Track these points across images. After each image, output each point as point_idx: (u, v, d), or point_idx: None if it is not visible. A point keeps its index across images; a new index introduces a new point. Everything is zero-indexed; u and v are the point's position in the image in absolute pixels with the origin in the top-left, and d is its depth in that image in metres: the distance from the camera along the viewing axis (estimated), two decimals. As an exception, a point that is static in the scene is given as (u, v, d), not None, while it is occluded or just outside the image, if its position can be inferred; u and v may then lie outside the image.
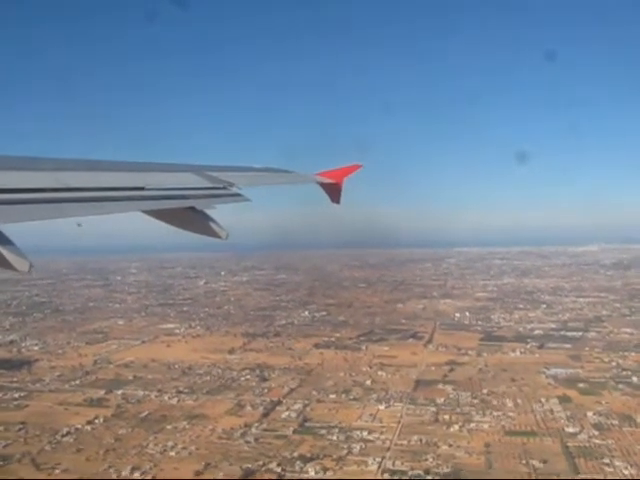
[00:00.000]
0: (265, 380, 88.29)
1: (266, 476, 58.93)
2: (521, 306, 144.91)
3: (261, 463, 61.32)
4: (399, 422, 72.71)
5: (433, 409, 76.45)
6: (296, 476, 58.92)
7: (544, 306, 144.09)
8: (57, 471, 59.16)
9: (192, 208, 9.09)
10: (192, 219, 9.14)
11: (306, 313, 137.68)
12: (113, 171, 9.58)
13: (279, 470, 59.96)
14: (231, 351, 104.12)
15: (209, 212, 9.27)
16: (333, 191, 14.34)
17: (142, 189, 8.77)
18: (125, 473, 58.68)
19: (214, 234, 9.17)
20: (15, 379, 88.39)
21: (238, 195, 10.29)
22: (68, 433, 68.77)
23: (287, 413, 75.34)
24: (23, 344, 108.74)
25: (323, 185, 14.14)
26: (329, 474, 59.38)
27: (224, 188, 10.27)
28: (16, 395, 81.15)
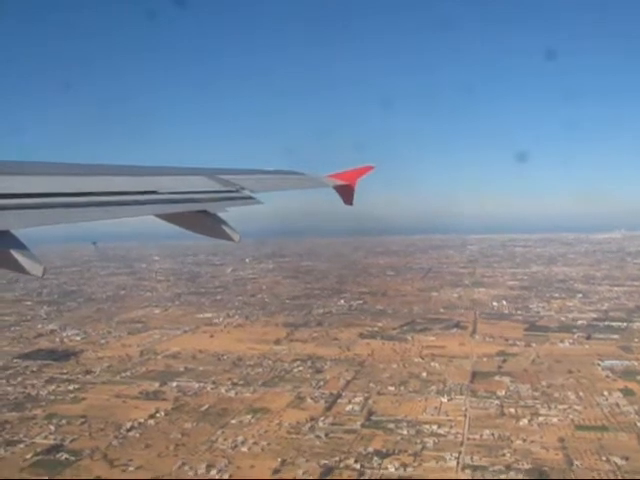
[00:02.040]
0: (319, 372, 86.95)
1: (345, 474, 57.66)
2: (557, 295, 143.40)
3: (337, 459, 59.96)
4: (465, 415, 71.36)
5: (496, 402, 75.07)
6: (375, 473, 57.65)
7: (580, 295, 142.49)
8: (131, 468, 57.89)
9: (204, 211, 9.09)
10: (204, 222, 9.13)
11: (342, 302, 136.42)
12: (125, 175, 9.63)
13: (357, 466, 58.62)
14: (277, 342, 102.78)
15: (221, 215, 9.27)
16: (346, 193, 14.44)
17: (154, 193, 8.85)
18: (201, 471, 57.38)
19: (227, 237, 9.14)
20: (65, 370, 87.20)
21: (250, 198, 10.37)
22: (132, 427, 67.51)
23: (350, 406, 74.02)
24: (64, 334, 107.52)
25: (336, 187, 14.22)
26: (409, 470, 58.07)
27: (236, 191, 10.36)
28: (70, 387, 79.98)
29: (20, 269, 5.91)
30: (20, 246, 5.99)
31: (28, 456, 60.22)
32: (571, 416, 70.36)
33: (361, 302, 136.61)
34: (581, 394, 77.29)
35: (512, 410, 72.51)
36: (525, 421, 69.18)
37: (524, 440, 64.04)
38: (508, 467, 58.23)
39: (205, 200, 9.46)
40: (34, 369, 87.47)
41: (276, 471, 57.63)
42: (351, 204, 14.62)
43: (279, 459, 59.80)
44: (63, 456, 60.43)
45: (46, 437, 64.87)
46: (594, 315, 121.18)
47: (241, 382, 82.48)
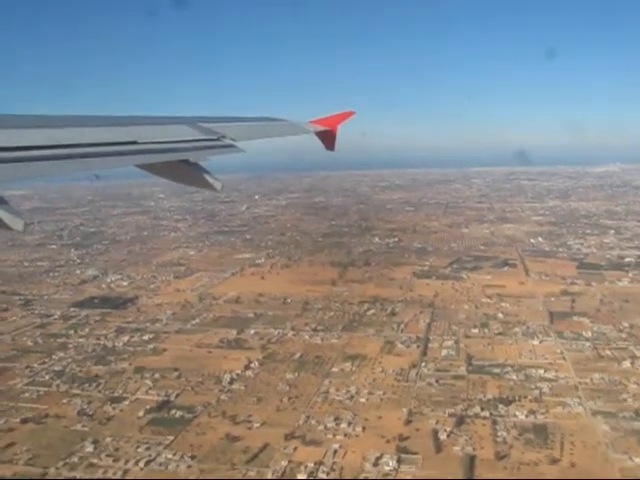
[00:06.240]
0: (393, 314, 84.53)
1: (478, 422, 55.89)
2: (589, 231, 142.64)
3: (462, 407, 58.10)
4: (564, 358, 69.89)
5: (587, 344, 73.82)
6: (507, 421, 55.95)
7: (612, 231, 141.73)
8: (256, 425, 54.86)
9: (186, 161, 8.94)
10: (186, 172, 8.98)
11: (377, 240, 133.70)
12: (105, 126, 9.37)
13: (487, 414, 56.78)
14: (333, 283, 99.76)
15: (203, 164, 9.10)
16: (327, 138, 14.40)
17: (135, 143, 8.65)
18: (330, 425, 54.87)
19: (209, 186, 9.04)
20: (130, 319, 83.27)
21: (232, 146, 10.21)
22: (233, 380, 64.50)
23: (445, 351, 71.93)
24: (108, 279, 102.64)
25: (317, 133, 14.15)
26: (540, 418, 56.53)
27: (217, 139, 10.20)
28: (145, 338, 76.29)
29: (0, 224, 5.76)
30: (0, 200, 5.84)
31: (140, 414, 56.92)
32: (671, 358, 69.52)
33: (396, 240, 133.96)
34: (668, 334, 76.55)
35: (608, 352, 71.28)
36: (627, 364, 67.80)
37: (638, 384, 63.03)
38: (637, 413, 57.08)
39: (186, 149, 9.30)
40: (96, 318, 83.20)
41: (407, 422, 55.39)
42: (333, 149, 14.52)
43: (404, 409, 57.66)
44: (177, 413, 57.27)
45: (147, 392, 61.57)
46: (637, 252, 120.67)
47: (320, 327, 79.63)
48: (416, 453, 50.44)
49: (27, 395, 61.06)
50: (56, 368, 67.48)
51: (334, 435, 53.21)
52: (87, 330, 78.63)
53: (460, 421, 55.83)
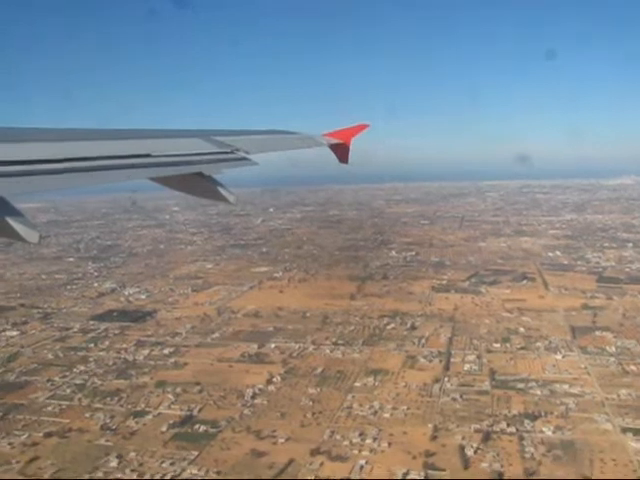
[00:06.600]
0: (414, 328, 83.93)
1: (505, 439, 55.15)
2: (607, 245, 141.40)
3: (488, 423, 57.37)
4: (589, 373, 69.05)
5: (612, 359, 72.88)
6: (534, 437, 55.21)
7: (631, 245, 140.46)
8: (281, 440, 54.44)
9: (199, 173, 8.98)
10: (200, 185, 9.06)
11: (393, 253, 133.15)
12: (119, 139, 9.51)
13: (513, 430, 56.03)
14: (352, 297, 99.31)
15: (217, 177, 9.17)
16: (341, 151, 14.31)
17: (148, 156, 8.67)
18: (356, 440, 54.36)
19: (223, 198, 9.10)
20: (149, 332, 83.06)
21: (245, 159, 10.21)
22: (255, 394, 64.03)
23: (468, 365, 71.25)
24: (126, 292, 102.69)
25: (331, 146, 14.06)
26: (568, 434, 55.74)
27: (231, 152, 10.23)
28: (165, 352, 76.02)
29: (16, 236, 5.84)
30: (15, 213, 5.90)
31: (163, 428, 56.62)
32: (699, 374, 68.48)
33: (413, 253, 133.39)
34: (695, 349, 75.45)
35: (633, 368, 70.26)
36: (654, 379, 67.17)
37: (667, 400, 62.02)
38: (668, 430, 56.13)
39: (200, 162, 9.31)
40: (116, 332, 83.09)
41: (433, 437, 54.79)
42: (346, 162, 14.40)
43: (429, 425, 57.02)
44: (200, 427, 56.90)
45: (170, 407, 61.25)
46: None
47: (341, 341, 79.13)
48: (443, 469, 49.86)
49: (49, 409, 60.88)
50: (77, 382, 67.34)
51: (360, 450, 52.69)
52: (107, 343, 78.58)
53: (487, 437, 55.16)
